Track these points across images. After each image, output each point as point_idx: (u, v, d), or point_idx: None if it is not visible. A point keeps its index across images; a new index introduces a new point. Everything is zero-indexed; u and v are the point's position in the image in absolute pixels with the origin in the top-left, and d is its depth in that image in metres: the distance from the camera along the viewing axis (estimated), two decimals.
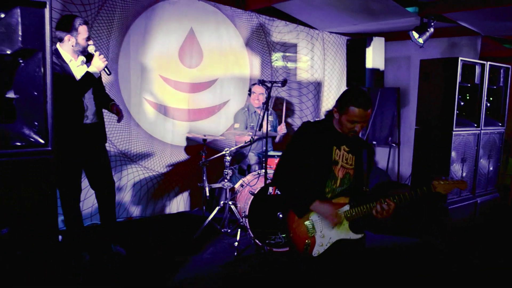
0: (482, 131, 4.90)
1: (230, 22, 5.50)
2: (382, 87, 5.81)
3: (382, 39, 5.51)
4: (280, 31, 6.04)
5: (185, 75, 5.14)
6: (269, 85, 4.18)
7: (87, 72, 3.33)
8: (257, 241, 3.96)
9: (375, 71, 5.45)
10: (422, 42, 5.14)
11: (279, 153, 4.50)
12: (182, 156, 5.26)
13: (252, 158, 4.86)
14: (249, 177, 4.45)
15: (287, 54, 6.22)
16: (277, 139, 5.26)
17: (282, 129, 5.10)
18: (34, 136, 2.05)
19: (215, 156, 4.54)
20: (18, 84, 2.01)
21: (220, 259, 3.78)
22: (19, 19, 1.94)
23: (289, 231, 2.65)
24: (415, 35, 5.13)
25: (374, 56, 5.43)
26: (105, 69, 3.44)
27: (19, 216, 2.03)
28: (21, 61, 2.00)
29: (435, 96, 4.64)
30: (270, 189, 4.08)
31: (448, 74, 4.50)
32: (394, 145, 6.88)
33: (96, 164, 3.66)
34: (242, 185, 4.44)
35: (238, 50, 5.63)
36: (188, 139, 5.24)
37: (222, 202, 4.39)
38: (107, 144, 3.86)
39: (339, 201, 2.59)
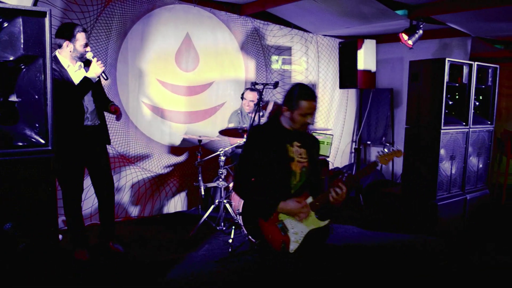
0: (470, 129, 5.02)
1: (225, 27, 5.65)
2: (374, 88, 5.94)
3: (373, 41, 5.66)
4: (275, 35, 6.19)
5: (181, 78, 5.29)
6: (261, 87, 4.32)
7: (85, 77, 3.47)
8: (250, 238, 4.09)
9: (366, 72, 5.59)
10: (412, 44, 5.29)
11: None
12: (179, 157, 5.41)
13: None
14: None
15: (282, 57, 6.36)
16: None
17: None
18: (35, 136, 2.18)
19: (210, 156, 4.69)
20: (20, 88, 2.15)
21: (215, 256, 3.90)
22: (21, 28, 2.08)
23: (264, 236, 2.67)
24: (405, 37, 5.27)
25: (366, 58, 5.58)
26: (102, 74, 3.58)
27: (21, 212, 2.15)
28: (23, 66, 2.13)
29: (424, 96, 4.77)
30: None
31: (436, 75, 4.64)
32: (388, 144, 7.02)
33: (97, 165, 3.78)
34: None
35: (233, 53, 5.78)
36: (184, 140, 5.38)
37: (217, 201, 4.53)
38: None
39: (301, 195, 2.71)
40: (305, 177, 2.79)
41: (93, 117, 3.66)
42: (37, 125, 2.19)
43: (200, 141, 4.69)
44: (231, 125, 5.02)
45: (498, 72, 5.25)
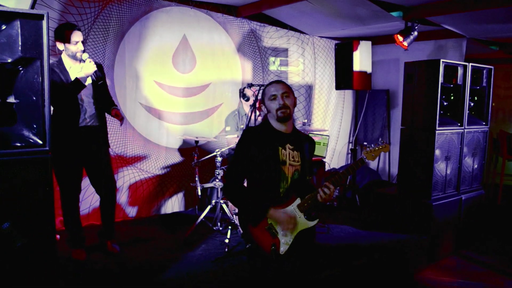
0: (465, 130, 5.05)
1: (222, 29, 5.69)
2: (369, 89, 5.98)
3: (369, 42, 5.70)
4: (271, 37, 6.23)
5: (178, 80, 5.33)
6: (257, 88, 4.36)
7: (76, 78, 3.49)
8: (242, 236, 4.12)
9: (362, 73, 5.64)
10: (407, 45, 5.33)
11: None
12: (177, 158, 5.44)
13: None
14: None
15: (279, 58, 6.40)
16: None
17: None
18: (33, 137, 2.21)
19: (207, 157, 4.72)
20: (18, 90, 2.18)
21: (212, 256, 3.93)
22: (19, 30, 2.11)
23: (254, 240, 2.67)
24: (400, 38, 5.31)
25: (362, 59, 5.62)
26: (93, 74, 3.57)
27: (19, 212, 2.18)
28: (21, 68, 2.17)
29: (419, 97, 4.81)
30: None
31: (431, 76, 4.67)
32: (380, 141, 7.05)
33: (94, 165, 3.81)
34: None
35: (230, 55, 5.82)
36: (182, 142, 5.42)
37: (213, 201, 4.56)
38: None
39: (290, 198, 2.71)
40: (295, 179, 2.76)
41: (92, 119, 3.68)
42: (34, 126, 2.22)
43: (197, 142, 4.73)
44: (228, 128, 5.05)
45: (492, 73, 5.28)
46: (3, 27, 2.10)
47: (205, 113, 5.66)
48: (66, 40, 3.50)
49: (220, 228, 4.57)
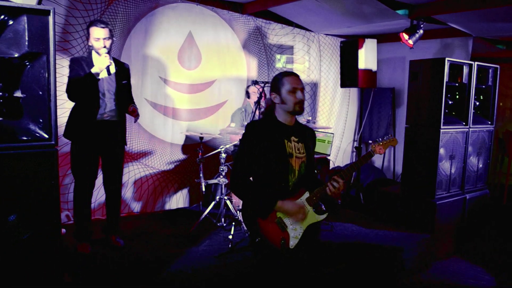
0: (470, 129, 5.04)
1: (228, 26, 5.70)
2: (375, 87, 5.98)
3: (374, 40, 5.69)
4: (277, 34, 6.24)
5: (184, 76, 5.35)
6: (262, 85, 4.37)
7: (89, 72, 3.54)
8: (249, 231, 4.14)
9: (367, 72, 5.63)
10: (412, 44, 5.32)
11: None
12: (181, 154, 5.47)
13: None
14: None
15: (284, 55, 6.41)
16: None
17: None
18: (39, 131, 2.24)
19: (211, 153, 4.75)
20: (24, 84, 2.21)
21: (215, 251, 3.95)
22: (26, 26, 2.14)
23: (263, 234, 2.67)
24: (405, 36, 5.30)
25: (367, 57, 5.61)
26: (107, 68, 3.60)
27: (25, 205, 2.21)
28: (27, 63, 2.20)
29: (423, 95, 4.81)
30: None
31: (436, 74, 4.67)
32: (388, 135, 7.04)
33: (111, 161, 3.88)
34: None
35: (235, 52, 5.83)
36: (187, 138, 5.44)
37: (218, 198, 4.58)
38: None
39: (298, 191, 2.72)
40: (303, 172, 2.77)
41: (111, 114, 3.75)
42: (41, 120, 2.25)
43: (201, 138, 4.75)
44: (233, 124, 5.06)
45: (498, 72, 5.27)
46: (10, 22, 2.13)
47: (210, 110, 5.68)
48: (90, 36, 3.59)
49: (224, 224, 4.59)
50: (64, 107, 4.37)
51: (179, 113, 5.37)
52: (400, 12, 5.27)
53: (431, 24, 5.58)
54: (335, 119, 7.22)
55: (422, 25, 5.29)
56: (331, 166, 6.60)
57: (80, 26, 4.45)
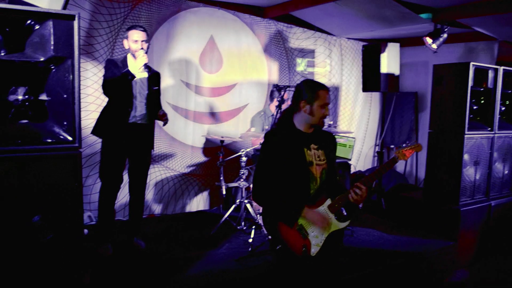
0: (496, 135, 4.94)
1: (249, 29, 5.72)
2: (397, 92, 5.91)
3: (397, 44, 5.63)
4: (298, 38, 6.23)
5: (205, 80, 5.38)
6: (284, 89, 4.37)
7: (126, 70, 3.57)
8: (271, 238, 4.13)
9: (390, 76, 5.57)
10: (436, 48, 5.24)
11: None
12: (202, 157, 5.50)
13: None
14: None
15: (306, 59, 6.39)
16: None
17: None
18: (63, 133, 2.28)
19: (232, 156, 4.75)
20: (49, 88, 2.26)
21: (235, 254, 3.95)
22: (52, 30, 2.18)
23: (284, 241, 2.64)
24: (429, 40, 5.23)
25: (389, 61, 5.55)
26: (145, 65, 3.66)
27: (49, 206, 2.25)
28: (52, 67, 2.24)
29: (447, 100, 4.72)
30: None
31: (460, 79, 4.59)
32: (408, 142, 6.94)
33: (137, 163, 3.93)
34: None
35: (256, 56, 5.84)
36: (207, 141, 5.47)
37: (238, 201, 4.59)
38: None
39: (320, 198, 2.68)
40: (324, 179, 2.73)
41: (141, 117, 3.79)
42: (65, 123, 2.29)
43: (222, 141, 4.76)
44: (253, 129, 5.06)
45: None
46: (37, 27, 2.18)
47: (231, 113, 5.70)
48: (128, 38, 3.67)
49: (244, 228, 4.59)
50: (87, 109, 4.45)
51: (200, 116, 5.41)
52: (423, 16, 5.20)
53: (455, 27, 5.49)
54: (356, 124, 7.15)
55: (446, 29, 5.21)
56: (352, 170, 6.54)
57: (104, 30, 4.52)
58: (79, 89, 2.28)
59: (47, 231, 2.26)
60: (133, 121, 3.74)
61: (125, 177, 3.92)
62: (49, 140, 2.25)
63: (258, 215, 4.37)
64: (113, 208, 3.92)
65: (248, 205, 4.50)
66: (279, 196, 2.66)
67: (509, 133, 5.12)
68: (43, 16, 2.16)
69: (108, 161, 3.75)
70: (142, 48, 3.63)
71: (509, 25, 5.33)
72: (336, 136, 5.56)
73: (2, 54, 2.11)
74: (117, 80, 3.56)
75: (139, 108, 3.76)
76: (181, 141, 5.29)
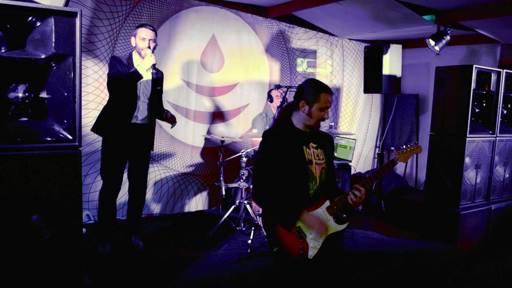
0: (497, 138, 4.92)
1: (251, 29, 5.69)
2: (399, 93, 5.89)
3: (399, 46, 5.60)
4: (300, 38, 6.20)
5: (206, 79, 5.35)
6: (285, 89, 4.34)
7: (134, 69, 3.54)
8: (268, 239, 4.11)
9: (392, 77, 5.55)
10: (438, 50, 5.21)
11: None
12: (202, 157, 5.47)
13: None
14: None
15: (307, 59, 6.37)
16: None
17: None
18: (63, 132, 2.26)
19: (232, 157, 4.73)
20: (50, 85, 2.23)
21: (234, 256, 3.93)
22: (53, 27, 2.16)
23: (281, 243, 2.63)
24: (432, 42, 5.20)
25: (391, 63, 5.53)
26: (153, 67, 3.64)
27: (48, 205, 2.23)
28: (53, 64, 2.22)
29: (450, 102, 4.71)
30: None
31: (463, 81, 4.57)
32: (410, 143, 6.92)
33: (137, 164, 3.91)
34: None
35: (258, 55, 5.82)
36: (207, 141, 5.44)
37: (237, 201, 4.57)
38: None
39: (319, 200, 2.66)
40: (323, 179, 2.72)
41: (143, 118, 3.77)
42: (65, 121, 2.26)
43: (222, 141, 4.74)
44: (255, 130, 5.03)
45: None
46: (38, 23, 2.15)
47: (232, 113, 5.67)
48: (136, 36, 3.64)
49: (243, 229, 4.57)
50: (87, 107, 4.42)
51: (201, 115, 5.38)
52: (426, 17, 5.18)
53: (458, 30, 5.47)
54: (357, 125, 7.13)
55: (449, 31, 5.18)
56: (352, 172, 6.52)
57: (105, 28, 4.49)
58: (80, 88, 2.26)
59: (46, 230, 2.23)
60: (134, 122, 3.71)
61: (124, 176, 3.90)
62: (49, 139, 2.22)
63: (257, 216, 4.35)
64: (113, 208, 3.90)
65: (248, 206, 4.48)
66: (278, 197, 2.64)
67: (510, 137, 5.10)
68: (44, 13, 2.13)
69: (109, 161, 3.73)
70: (149, 47, 3.61)
71: None
72: (336, 138, 5.58)
73: (3, 51, 2.08)
74: (123, 79, 3.53)
75: (142, 108, 3.74)
76: (181, 140, 5.26)
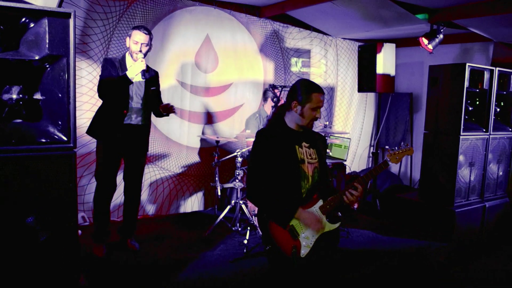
0: (491, 136, 4.95)
1: (245, 29, 5.69)
2: (392, 92, 5.91)
3: (393, 45, 5.63)
4: (294, 38, 6.21)
5: (201, 79, 5.35)
6: (280, 89, 4.35)
7: (124, 74, 3.52)
8: (261, 237, 4.11)
9: (385, 76, 5.57)
10: (432, 48, 5.24)
11: None
12: (197, 157, 5.47)
13: None
14: None
15: (301, 59, 6.38)
16: None
17: None
18: (58, 133, 2.24)
19: (227, 157, 4.73)
20: (44, 87, 2.22)
21: (230, 256, 3.93)
22: (47, 28, 2.14)
23: (274, 241, 2.65)
24: (425, 41, 5.23)
25: (385, 62, 5.55)
26: (142, 72, 3.57)
27: (43, 207, 2.21)
28: (47, 66, 2.20)
29: (443, 101, 4.73)
30: None
31: (456, 80, 4.59)
32: (402, 144, 6.95)
33: (132, 164, 3.90)
34: None
35: (252, 55, 5.82)
36: (202, 141, 5.44)
37: (233, 202, 4.56)
38: None
39: (312, 199, 2.68)
40: (316, 179, 2.74)
41: (138, 118, 3.76)
42: (60, 122, 2.25)
43: (217, 142, 4.74)
44: (248, 131, 5.03)
45: None
46: (32, 24, 2.14)
47: (226, 113, 5.67)
48: (130, 38, 3.62)
49: (239, 229, 4.57)
50: (81, 108, 4.40)
51: (195, 116, 5.37)
52: (420, 16, 5.20)
53: (451, 28, 5.50)
54: (351, 124, 7.15)
55: (442, 30, 5.21)
56: (347, 171, 6.54)
57: (99, 28, 4.48)
58: (75, 89, 2.24)
59: (41, 232, 2.22)
60: (128, 122, 3.70)
61: (119, 178, 3.89)
62: (44, 140, 2.20)
63: (253, 216, 4.35)
64: (109, 210, 3.89)
65: (243, 206, 4.48)
66: (272, 195, 2.66)
67: (503, 134, 5.14)
68: (38, 14, 2.12)
69: (104, 163, 3.71)
70: (140, 51, 3.59)
71: (504, 26, 5.35)
72: (331, 137, 5.59)
73: None
74: (113, 83, 3.52)
75: (135, 109, 3.73)
76: (176, 141, 5.25)
